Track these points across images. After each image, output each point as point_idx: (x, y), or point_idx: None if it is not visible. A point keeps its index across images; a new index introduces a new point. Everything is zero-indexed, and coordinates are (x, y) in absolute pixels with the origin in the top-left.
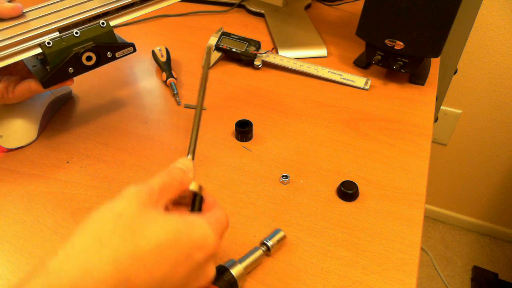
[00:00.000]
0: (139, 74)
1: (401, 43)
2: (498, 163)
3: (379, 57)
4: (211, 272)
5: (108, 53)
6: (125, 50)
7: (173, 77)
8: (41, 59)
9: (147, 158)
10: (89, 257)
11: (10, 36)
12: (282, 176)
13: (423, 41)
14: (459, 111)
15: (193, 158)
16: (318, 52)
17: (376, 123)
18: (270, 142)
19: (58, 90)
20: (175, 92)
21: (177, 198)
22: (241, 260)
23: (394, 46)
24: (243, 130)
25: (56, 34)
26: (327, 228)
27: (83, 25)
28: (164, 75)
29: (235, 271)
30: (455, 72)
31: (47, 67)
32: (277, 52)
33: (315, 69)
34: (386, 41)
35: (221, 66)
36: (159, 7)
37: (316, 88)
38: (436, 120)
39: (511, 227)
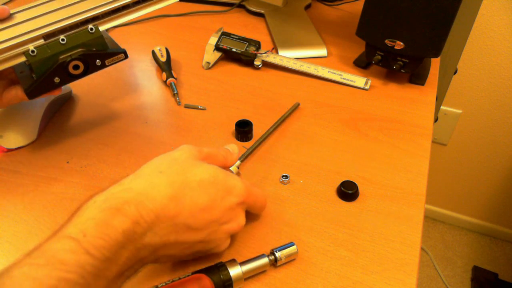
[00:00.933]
0: (139, 74)
1: (401, 43)
2: (498, 163)
3: (379, 57)
4: (242, 220)
5: (97, 61)
6: (116, 57)
7: (173, 77)
8: (29, 64)
9: (147, 158)
10: (152, 179)
11: None
12: (282, 176)
13: (423, 41)
14: (459, 111)
15: (241, 160)
16: (318, 52)
17: (376, 123)
18: (270, 142)
19: None
20: (175, 92)
21: None
22: (243, 263)
23: (394, 46)
24: (243, 130)
25: (42, 41)
26: (327, 228)
27: (71, 30)
28: (164, 75)
29: (233, 272)
30: (455, 72)
31: (33, 75)
32: (277, 52)
33: (315, 69)
34: (386, 41)
35: (221, 66)
36: (151, 10)
37: (316, 88)
38: (436, 120)
39: (511, 227)
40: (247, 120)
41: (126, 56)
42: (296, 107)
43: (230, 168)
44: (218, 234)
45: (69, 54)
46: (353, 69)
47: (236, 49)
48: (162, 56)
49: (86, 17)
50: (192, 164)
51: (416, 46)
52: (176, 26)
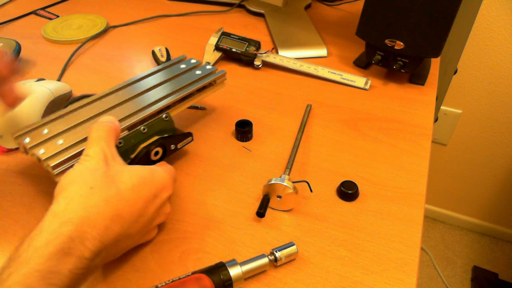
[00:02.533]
0: (140, 74)
1: (401, 43)
2: (498, 163)
3: (379, 57)
4: (168, 209)
5: (172, 145)
6: (185, 140)
7: None
8: None
9: None
10: (87, 199)
11: (80, 138)
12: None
13: (423, 41)
14: (459, 111)
15: (288, 174)
16: (318, 52)
17: (376, 123)
18: (270, 142)
19: (58, 90)
20: None
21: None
22: (243, 263)
23: (394, 46)
24: (243, 130)
25: (126, 131)
26: (327, 228)
27: (149, 119)
28: None
29: (233, 272)
30: (455, 72)
31: None
32: (277, 52)
33: (315, 69)
34: (386, 41)
35: (221, 66)
36: (210, 94)
37: (316, 88)
38: (436, 120)
39: (511, 227)
40: (247, 120)
41: (192, 139)
42: (310, 109)
43: (285, 183)
44: (147, 229)
45: (150, 142)
46: (353, 69)
47: (236, 49)
48: (162, 56)
49: (162, 106)
50: (114, 172)
51: (416, 46)
52: (176, 26)
